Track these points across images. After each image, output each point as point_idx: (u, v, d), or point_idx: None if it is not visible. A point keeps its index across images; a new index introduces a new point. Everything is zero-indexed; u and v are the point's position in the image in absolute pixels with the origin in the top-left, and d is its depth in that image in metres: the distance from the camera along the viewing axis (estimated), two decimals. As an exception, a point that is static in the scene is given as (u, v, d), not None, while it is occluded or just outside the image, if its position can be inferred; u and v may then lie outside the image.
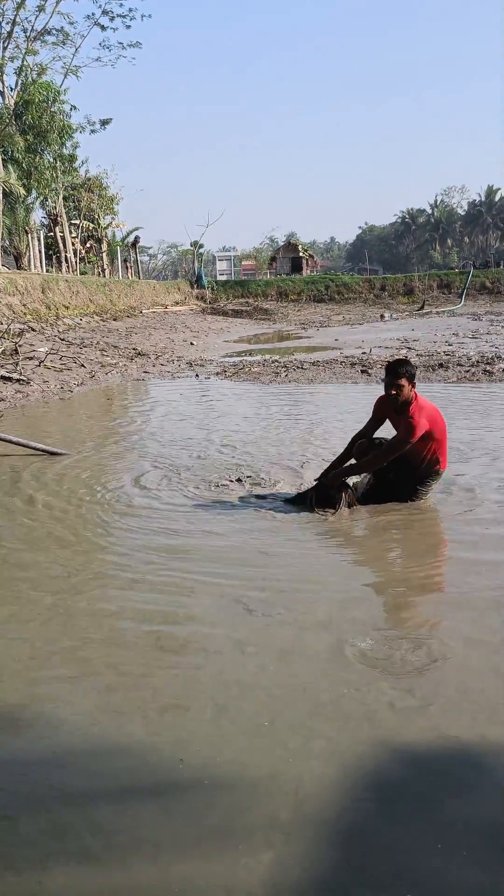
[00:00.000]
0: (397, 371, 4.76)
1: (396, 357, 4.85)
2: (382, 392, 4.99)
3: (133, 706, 2.71)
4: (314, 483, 5.12)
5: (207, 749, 2.43)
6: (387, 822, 2.09)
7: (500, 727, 2.53)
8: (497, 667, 2.93)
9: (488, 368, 12.55)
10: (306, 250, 58.67)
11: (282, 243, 69.51)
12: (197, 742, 2.47)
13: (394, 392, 4.74)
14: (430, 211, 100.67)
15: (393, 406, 4.86)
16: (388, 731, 2.50)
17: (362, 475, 5.21)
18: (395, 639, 3.18)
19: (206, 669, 2.95)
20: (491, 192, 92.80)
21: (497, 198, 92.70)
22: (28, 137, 26.60)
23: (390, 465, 4.93)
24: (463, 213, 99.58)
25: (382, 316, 33.62)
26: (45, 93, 26.71)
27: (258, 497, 5.34)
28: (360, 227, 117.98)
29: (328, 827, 2.06)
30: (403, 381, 4.71)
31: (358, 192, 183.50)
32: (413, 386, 4.77)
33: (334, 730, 2.52)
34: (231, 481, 5.80)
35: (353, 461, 5.03)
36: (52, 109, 26.93)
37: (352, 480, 5.14)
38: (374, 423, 5.08)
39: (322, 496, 4.95)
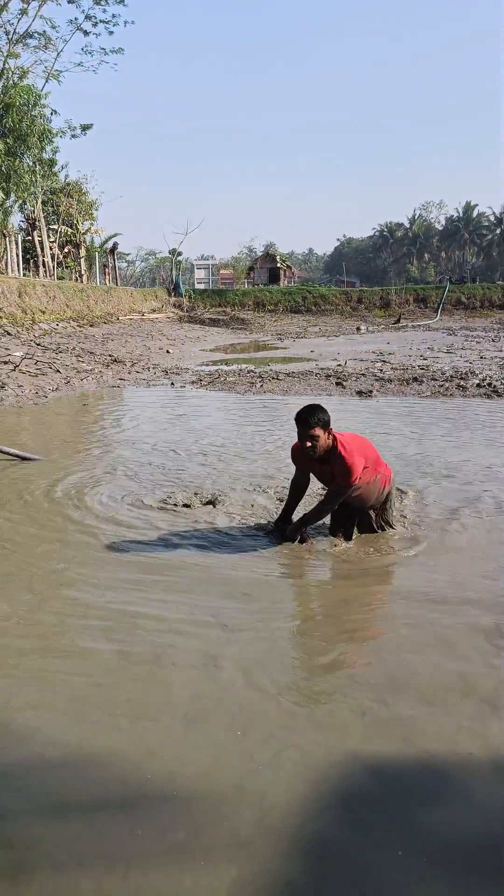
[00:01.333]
0: (307, 421, 4.17)
1: (306, 405, 4.32)
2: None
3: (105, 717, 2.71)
4: (271, 527, 4.85)
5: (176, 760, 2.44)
6: (352, 831, 2.12)
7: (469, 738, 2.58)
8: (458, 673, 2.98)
9: (462, 384, 12.72)
10: (284, 261, 59.01)
11: (260, 253, 69.89)
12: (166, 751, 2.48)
13: (309, 445, 4.20)
14: (408, 225, 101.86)
15: (311, 459, 4.37)
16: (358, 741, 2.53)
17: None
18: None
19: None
20: (469, 207, 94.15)
21: (475, 213, 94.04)
22: (7, 141, 26.43)
23: (345, 512, 4.65)
24: (441, 228, 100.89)
25: (359, 328, 33.92)
26: (25, 96, 26.58)
27: (213, 528, 4.96)
28: (338, 240, 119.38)
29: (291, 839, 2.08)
30: (317, 431, 4.16)
31: (337, 204, 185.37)
32: (329, 431, 4.23)
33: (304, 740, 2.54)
34: (181, 506, 5.45)
35: (304, 514, 4.64)
36: (33, 113, 26.81)
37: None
38: (303, 471, 4.65)
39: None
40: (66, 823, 2.17)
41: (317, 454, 4.24)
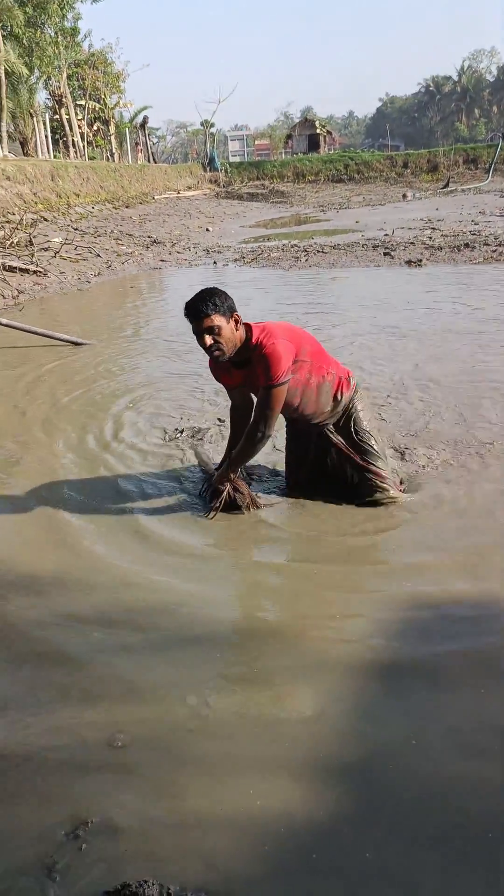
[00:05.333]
0: (199, 310, 3.00)
1: (201, 290, 3.05)
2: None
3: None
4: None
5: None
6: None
7: None
8: None
9: (516, 247, 12.12)
10: (324, 126, 55.65)
11: (297, 120, 65.87)
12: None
13: (210, 343, 3.02)
14: (456, 78, 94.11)
15: (224, 365, 3.22)
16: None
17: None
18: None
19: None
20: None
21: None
22: (27, 10, 24.93)
23: (297, 445, 3.53)
24: (492, 80, 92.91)
25: (405, 195, 32.20)
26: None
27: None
28: (380, 100, 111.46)
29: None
30: (217, 320, 2.99)
31: (378, 58, 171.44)
32: (237, 320, 3.06)
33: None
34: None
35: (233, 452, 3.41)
36: (51, -24, 25.09)
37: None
38: (236, 391, 3.43)
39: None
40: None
41: (225, 354, 3.07)
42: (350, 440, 3.37)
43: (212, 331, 2.99)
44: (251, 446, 3.21)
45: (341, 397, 3.30)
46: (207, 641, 2.43)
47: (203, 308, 2.98)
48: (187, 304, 3.02)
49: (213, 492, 3.40)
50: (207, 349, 3.04)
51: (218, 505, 3.33)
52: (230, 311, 3.03)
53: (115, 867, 1.59)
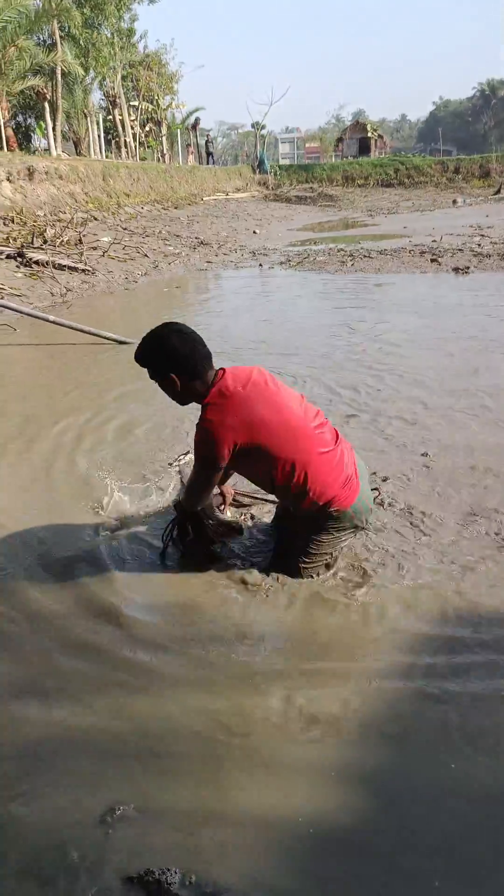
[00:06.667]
0: (140, 365, 2.68)
1: (146, 337, 2.65)
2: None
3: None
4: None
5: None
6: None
7: None
8: None
9: None
10: (375, 130, 55.25)
11: (349, 123, 65.57)
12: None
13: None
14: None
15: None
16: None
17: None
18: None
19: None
20: None
21: None
22: (84, 11, 25.34)
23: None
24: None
25: (455, 201, 31.83)
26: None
27: None
28: (433, 103, 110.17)
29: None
30: (157, 379, 2.68)
31: (433, 61, 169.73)
32: (191, 375, 2.58)
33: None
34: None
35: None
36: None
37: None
38: None
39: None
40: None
41: (180, 404, 2.76)
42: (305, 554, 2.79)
43: (158, 383, 2.70)
44: (190, 500, 2.83)
45: (318, 506, 2.65)
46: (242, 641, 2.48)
47: (142, 364, 2.67)
48: (136, 350, 2.67)
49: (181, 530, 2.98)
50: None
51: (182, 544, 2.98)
52: (164, 373, 2.61)
53: (141, 855, 1.65)
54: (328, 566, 2.83)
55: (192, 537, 2.94)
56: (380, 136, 56.11)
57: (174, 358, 2.57)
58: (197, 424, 2.57)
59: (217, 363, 2.68)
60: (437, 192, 38.22)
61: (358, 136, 52.73)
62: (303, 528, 2.75)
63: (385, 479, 3.63)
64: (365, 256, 13.76)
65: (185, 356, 2.57)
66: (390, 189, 40.20)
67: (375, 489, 3.31)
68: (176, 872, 1.57)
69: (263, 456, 2.55)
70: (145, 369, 2.66)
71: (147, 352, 2.61)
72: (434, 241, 15.75)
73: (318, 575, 2.80)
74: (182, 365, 2.57)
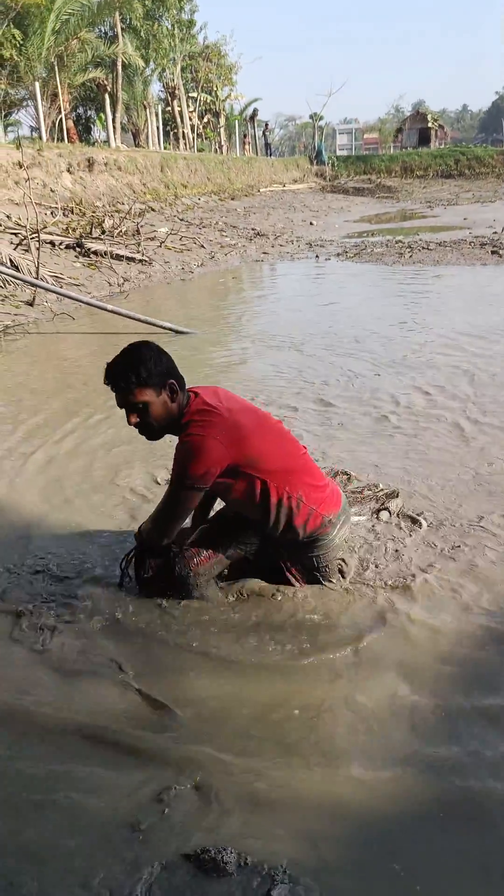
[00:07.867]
0: (118, 384, 2.35)
1: (128, 347, 2.38)
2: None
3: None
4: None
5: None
6: None
7: None
8: None
9: None
10: (436, 120, 54.19)
11: (409, 113, 64.51)
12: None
13: (135, 423, 2.40)
14: None
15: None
16: None
17: None
18: None
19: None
20: None
21: None
22: (146, 3, 25.51)
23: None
24: None
25: (517, 192, 31.05)
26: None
27: None
28: (496, 93, 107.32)
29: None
30: (145, 395, 2.34)
31: (496, 51, 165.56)
32: (173, 388, 2.38)
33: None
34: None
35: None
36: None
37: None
38: None
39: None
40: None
41: (155, 435, 2.46)
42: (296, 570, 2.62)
43: (135, 408, 2.35)
44: (155, 531, 2.50)
45: (303, 528, 2.48)
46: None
47: (123, 383, 2.32)
48: (108, 366, 2.35)
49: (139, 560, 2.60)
50: (133, 424, 2.41)
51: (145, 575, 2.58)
52: (162, 380, 2.34)
53: (196, 833, 1.66)
54: (343, 573, 2.64)
55: (150, 574, 2.56)
56: (440, 127, 55.03)
57: (171, 364, 2.42)
58: (178, 444, 2.36)
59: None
60: (499, 182, 37.31)
61: (418, 127, 51.80)
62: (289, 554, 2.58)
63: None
64: (423, 248, 13.54)
65: (175, 367, 2.44)
66: (450, 180, 39.44)
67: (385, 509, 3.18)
68: (232, 852, 1.58)
69: (254, 466, 2.37)
70: (137, 386, 2.33)
71: (141, 366, 2.31)
72: (495, 232, 15.41)
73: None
74: (176, 374, 2.41)
